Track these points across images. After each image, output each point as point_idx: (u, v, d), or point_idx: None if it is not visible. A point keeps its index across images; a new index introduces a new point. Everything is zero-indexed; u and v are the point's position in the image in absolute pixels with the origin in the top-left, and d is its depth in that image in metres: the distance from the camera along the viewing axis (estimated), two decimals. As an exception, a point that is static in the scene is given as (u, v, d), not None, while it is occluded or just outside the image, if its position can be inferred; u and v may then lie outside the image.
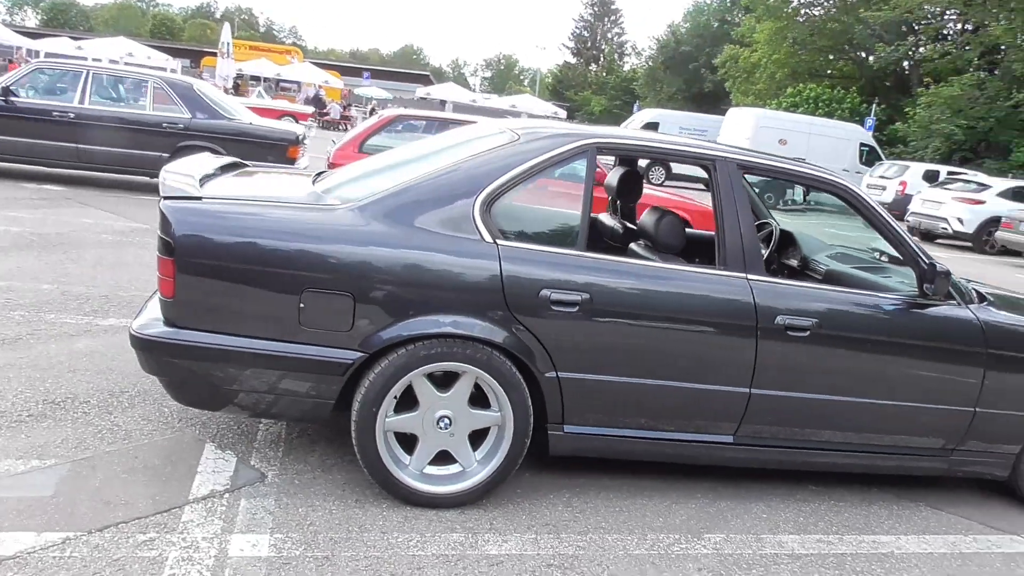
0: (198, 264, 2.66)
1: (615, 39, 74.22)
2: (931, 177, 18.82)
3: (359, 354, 2.72)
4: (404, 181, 2.93)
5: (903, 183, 18.74)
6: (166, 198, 2.73)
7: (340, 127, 30.30)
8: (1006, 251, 15.30)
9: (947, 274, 3.11)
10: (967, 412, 3.22)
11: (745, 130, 22.75)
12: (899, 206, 18.09)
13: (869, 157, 22.43)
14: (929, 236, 16.58)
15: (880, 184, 19.17)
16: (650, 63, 57.20)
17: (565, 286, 2.81)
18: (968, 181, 17.63)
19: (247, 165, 3.76)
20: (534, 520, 2.87)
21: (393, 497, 2.85)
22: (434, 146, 3.49)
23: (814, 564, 2.81)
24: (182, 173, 2.90)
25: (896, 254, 3.37)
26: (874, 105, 28.74)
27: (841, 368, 3.10)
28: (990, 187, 16.50)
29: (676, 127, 26.28)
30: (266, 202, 2.87)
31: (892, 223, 3.24)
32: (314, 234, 2.73)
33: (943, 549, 3.05)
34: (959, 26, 29.30)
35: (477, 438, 2.91)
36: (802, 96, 30.31)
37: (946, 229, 16.13)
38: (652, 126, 26.21)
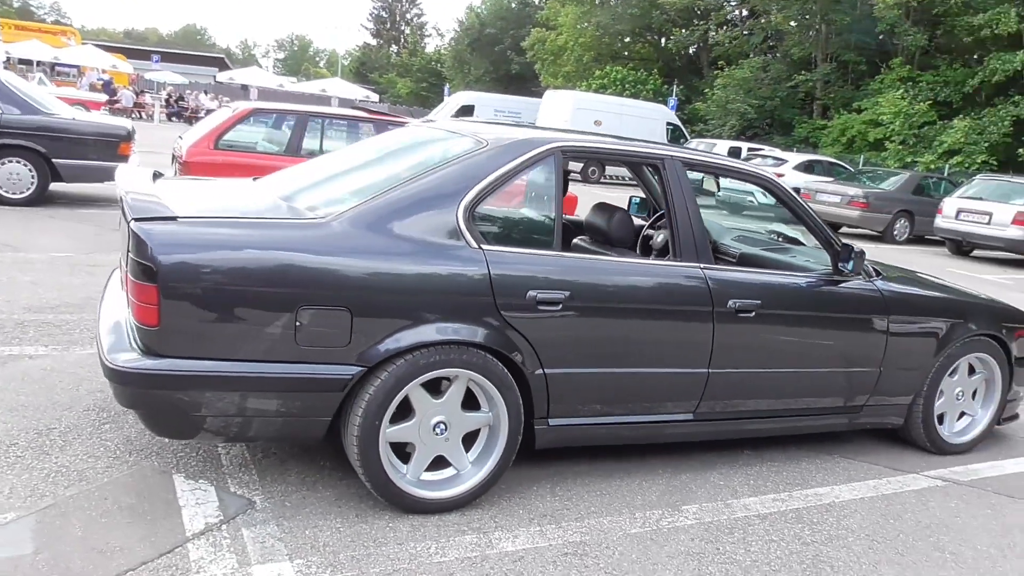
0: (185, 289, 2.49)
1: (415, 20, 74.01)
2: (734, 154, 20.58)
3: (358, 368, 2.68)
4: (380, 190, 2.89)
5: (711, 159, 20.38)
6: (139, 219, 2.52)
7: (134, 115, 28.04)
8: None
9: (863, 254, 3.54)
10: (875, 372, 3.69)
11: (563, 112, 23.66)
12: (708, 181, 19.73)
13: (674, 135, 24.09)
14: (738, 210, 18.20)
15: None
16: (454, 44, 57.55)
17: (549, 286, 2.92)
18: (766, 156, 19.49)
19: (163, 173, 3.53)
20: (532, 513, 2.97)
21: (394, 507, 2.84)
22: (386, 149, 3.45)
23: (780, 521, 3.14)
24: (142, 190, 2.69)
25: (805, 237, 3.78)
26: (674, 86, 30.87)
27: (780, 343, 3.45)
28: (787, 161, 18.37)
29: (491, 110, 26.63)
30: (248, 219, 2.74)
31: (812, 212, 3.63)
32: (306, 250, 2.64)
33: (869, 493, 3.50)
34: (743, 12, 32.07)
35: (467, 440, 2.95)
36: (609, 78, 31.93)
37: (752, 203, 17.74)
38: (467, 109, 26.59)
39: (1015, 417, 4.29)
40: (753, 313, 3.31)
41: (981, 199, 13.61)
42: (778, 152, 20.68)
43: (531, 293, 2.88)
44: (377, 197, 2.84)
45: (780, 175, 17.83)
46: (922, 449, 4.00)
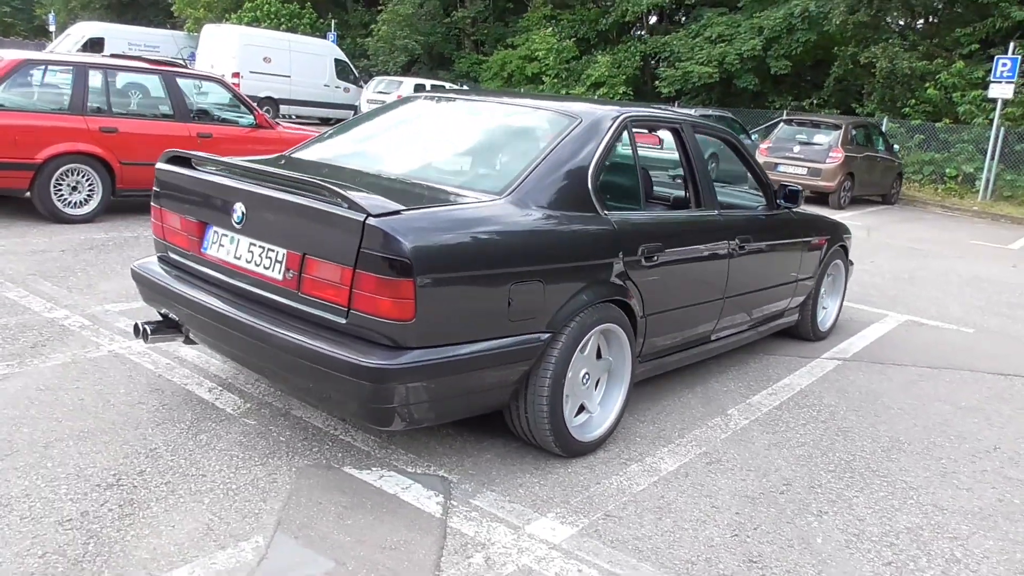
0: (434, 279, 2.54)
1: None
2: (420, 90, 21.26)
3: (548, 334, 2.93)
4: (523, 168, 3.08)
5: (399, 96, 20.84)
6: (378, 215, 2.47)
7: None
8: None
9: (800, 191, 4.51)
10: (794, 280, 4.75)
11: (229, 48, 22.13)
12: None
13: (341, 71, 23.90)
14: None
15: (379, 99, 20.93)
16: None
17: (651, 239, 3.40)
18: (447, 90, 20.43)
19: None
20: (646, 441, 3.49)
21: (561, 455, 3.15)
22: (455, 124, 3.57)
23: (790, 408, 4.05)
24: (342, 183, 2.59)
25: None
26: (332, 21, 30.29)
27: (758, 267, 4.30)
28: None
29: (125, 43, 23.90)
30: (454, 204, 2.80)
31: (756, 160, 4.50)
32: (512, 228, 2.82)
33: (815, 376, 4.58)
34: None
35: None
36: (263, 11, 30.17)
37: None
38: (96, 43, 23.57)
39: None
40: (745, 247, 4.09)
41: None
42: (464, 87, 21.81)
43: (641, 247, 3.33)
44: (528, 175, 3.03)
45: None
46: (805, 339, 5.22)
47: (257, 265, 2.83)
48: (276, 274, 2.76)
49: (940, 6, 19.96)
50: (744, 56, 21.20)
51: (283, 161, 3.51)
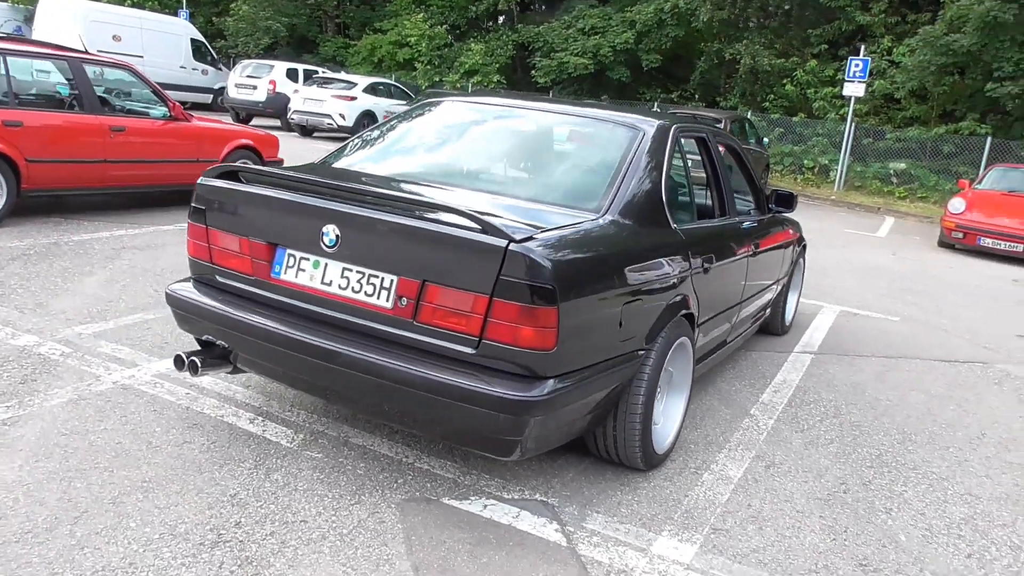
0: (572, 304, 2.49)
1: None
2: (292, 75, 20.35)
3: (643, 351, 2.93)
4: (604, 185, 3.05)
5: (272, 82, 19.84)
6: (520, 240, 2.36)
7: None
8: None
9: (795, 196, 4.71)
10: (778, 279, 4.99)
11: (73, 25, 20.26)
12: (274, 104, 19.31)
13: (198, 52, 22.49)
14: (310, 131, 18.41)
15: (250, 84, 19.86)
16: None
17: (706, 251, 3.47)
18: (330, 79, 19.73)
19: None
20: (704, 446, 3.56)
21: (645, 468, 3.17)
22: (507, 133, 3.50)
23: (795, 404, 4.26)
24: (475, 210, 2.45)
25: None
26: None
27: (763, 268, 4.48)
28: (356, 84, 18.91)
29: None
30: (563, 225, 2.69)
31: (752, 168, 4.67)
32: (621, 247, 2.80)
33: (801, 371, 4.84)
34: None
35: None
36: (106, -17, 27.76)
37: (331, 124, 18.08)
38: None
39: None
40: (758, 252, 4.26)
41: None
42: (344, 75, 21.07)
43: (701, 258, 3.39)
44: (616, 191, 3.00)
45: (352, 98, 18.48)
46: (773, 334, 5.49)
47: (356, 292, 2.63)
48: (383, 302, 2.58)
49: (790, 8, 21.42)
50: (617, 49, 21.86)
51: (337, 172, 3.27)
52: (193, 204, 3.00)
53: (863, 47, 17.63)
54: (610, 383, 2.78)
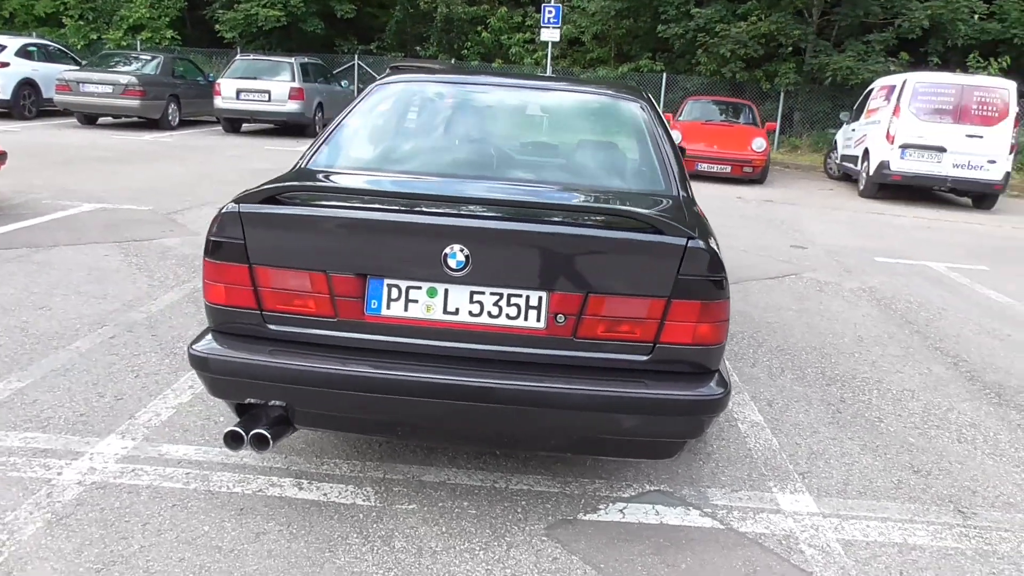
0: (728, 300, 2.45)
1: None
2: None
3: None
4: (652, 160, 3.00)
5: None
6: (695, 236, 2.28)
7: None
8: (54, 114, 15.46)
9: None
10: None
11: None
12: None
13: None
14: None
15: None
16: None
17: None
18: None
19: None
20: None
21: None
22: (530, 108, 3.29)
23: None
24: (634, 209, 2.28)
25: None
26: None
27: None
28: (5, 46, 15.54)
29: None
30: (683, 214, 2.60)
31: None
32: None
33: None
34: None
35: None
36: None
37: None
38: None
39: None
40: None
41: (256, 78, 15.00)
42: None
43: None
44: (668, 168, 2.98)
45: (4, 63, 15.27)
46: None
47: (493, 317, 2.30)
48: (534, 323, 2.30)
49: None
50: (309, -2, 20.71)
51: (365, 181, 2.76)
52: (218, 238, 2.36)
53: (551, -7, 18.75)
54: None
